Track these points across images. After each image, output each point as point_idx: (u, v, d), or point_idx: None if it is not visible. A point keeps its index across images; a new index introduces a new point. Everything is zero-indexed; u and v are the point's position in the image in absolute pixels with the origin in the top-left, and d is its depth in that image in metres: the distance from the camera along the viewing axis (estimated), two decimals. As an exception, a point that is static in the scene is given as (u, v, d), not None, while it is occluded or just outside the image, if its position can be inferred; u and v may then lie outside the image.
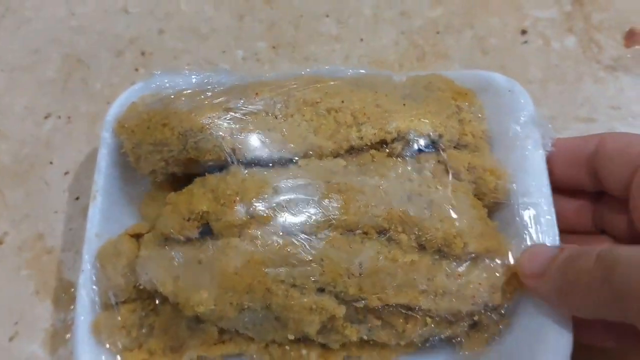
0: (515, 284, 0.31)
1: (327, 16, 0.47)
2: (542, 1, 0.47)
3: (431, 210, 0.30)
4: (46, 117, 0.43)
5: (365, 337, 0.32)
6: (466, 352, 0.32)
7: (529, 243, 0.31)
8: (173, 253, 0.32)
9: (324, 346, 0.33)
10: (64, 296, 0.37)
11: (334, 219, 0.30)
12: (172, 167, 0.34)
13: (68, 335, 0.36)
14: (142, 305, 0.34)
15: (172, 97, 0.34)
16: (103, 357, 0.32)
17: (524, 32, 0.46)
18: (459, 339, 0.32)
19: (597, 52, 0.45)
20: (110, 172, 0.35)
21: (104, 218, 0.34)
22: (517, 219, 0.32)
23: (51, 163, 0.41)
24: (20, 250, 0.39)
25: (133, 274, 0.33)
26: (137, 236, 0.34)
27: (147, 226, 0.34)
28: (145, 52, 0.45)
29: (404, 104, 0.33)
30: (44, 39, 0.46)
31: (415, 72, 0.37)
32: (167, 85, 0.36)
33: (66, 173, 0.41)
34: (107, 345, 0.32)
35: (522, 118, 0.34)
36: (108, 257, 0.33)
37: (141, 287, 0.32)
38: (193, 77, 0.37)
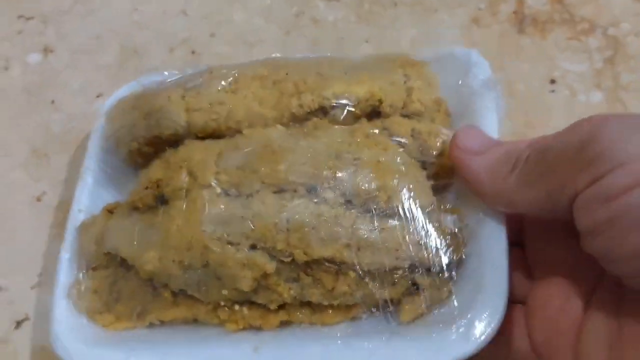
0: (450, 246, 0.31)
1: (367, 42, 0.50)
2: (575, 55, 0.48)
3: (357, 166, 0.31)
4: (97, 97, 0.47)
5: (297, 297, 0.32)
6: (402, 320, 0.32)
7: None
8: (134, 221, 0.35)
9: (263, 307, 0.33)
10: (86, 256, 0.40)
11: (265, 178, 0.32)
12: (143, 146, 0.37)
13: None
14: (113, 272, 0.36)
15: (151, 88, 0.38)
16: (77, 318, 0.35)
17: (552, 81, 0.48)
18: (392, 301, 0.31)
19: (621, 110, 0.46)
20: (99, 157, 0.39)
21: (90, 197, 0.38)
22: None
23: None
24: (55, 209, 0.42)
25: (102, 239, 0.35)
26: (113, 211, 0.37)
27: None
28: (195, 51, 0.50)
29: (346, 73, 0.35)
30: (107, 28, 0.50)
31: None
32: (159, 80, 0.39)
33: (107, 148, 0.44)
34: (79, 307, 0.35)
35: (476, 80, 0.35)
36: (85, 227, 0.36)
37: (109, 254, 0.35)
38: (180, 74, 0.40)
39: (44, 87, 0.47)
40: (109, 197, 0.39)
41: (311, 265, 0.31)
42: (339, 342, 0.32)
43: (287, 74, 0.35)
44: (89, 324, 0.35)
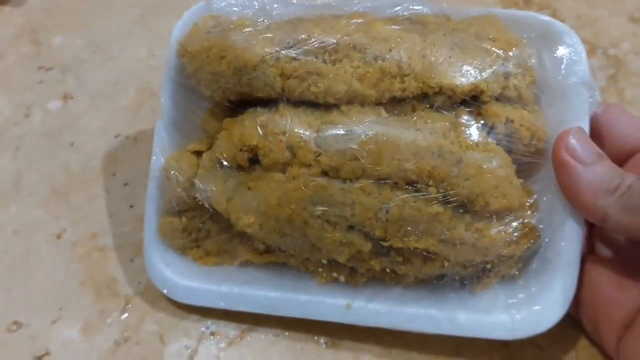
0: (529, 238, 0.34)
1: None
2: None
3: (460, 168, 0.32)
4: (116, 137, 0.48)
5: (387, 269, 0.35)
6: (476, 291, 0.35)
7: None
8: (227, 176, 0.36)
9: (351, 269, 0.36)
10: (106, 291, 0.41)
11: (368, 168, 0.32)
12: (228, 96, 0.37)
13: (104, 327, 0.39)
14: (200, 213, 0.38)
15: (232, 25, 0.36)
16: (166, 254, 0.39)
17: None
18: (471, 280, 0.35)
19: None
20: (174, 91, 0.39)
21: (169, 134, 0.39)
22: (546, 173, 0.34)
23: (114, 175, 0.46)
24: (75, 245, 0.43)
25: (192, 187, 0.37)
26: (197, 153, 0.38)
27: (206, 143, 0.38)
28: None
29: (450, 56, 0.33)
30: (124, 73, 0.51)
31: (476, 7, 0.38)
32: (230, 3, 0.38)
33: (125, 184, 0.45)
34: (171, 244, 0.39)
35: (573, 76, 0.35)
36: (171, 170, 0.37)
37: (199, 201, 0.37)
38: (252, 2, 0.38)
39: (64, 131, 0.48)
40: (185, 131, 0.39)
41: (404, 249, 0.34)
42: (423, 308, 0.35)
43: (390, 49, 0.33)
44: (181, 259, 0.39)
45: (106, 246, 0.42)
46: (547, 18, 0.37)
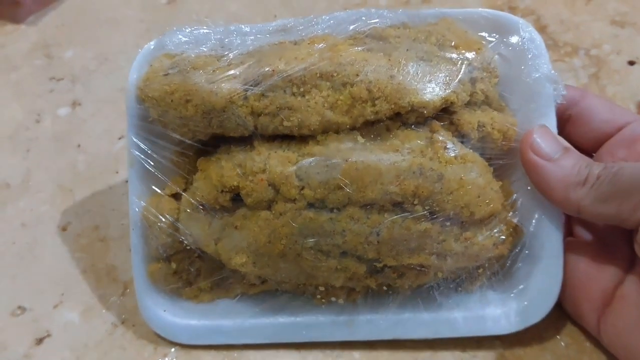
0: (514, 237, 0.35)
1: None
2: (560, 74, 0.49)
3: (442, 184, 0.32)
4: (119, 138, 0.50)
5: (381, 284, 0.36)
6: (465, 290, 0.36)
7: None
8: (210, 218, 0.35)
9: (348, 288, 0.37)
10: (106, 278, 0.42)
11: (353, 195, 0.32)
12: (199, 136, 0.36)
13: (104, 310, 0.40)
14: (188, 255, 0.38)
15: (190, 66, 0.34)
16: (159, 298, 0.38)
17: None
18: (462, 282, 0.36)
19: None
20: (140, 138, 0.37)
21: (143, 180, 0.37)
22: (521, 172, 0.34)
23: (117, 172, 0.48)
24: (78, 236, 0.44)
25: (177, 232, 0.36)
26: (174, 195, 0.37)
27: (181, 183, 0.37)
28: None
29: (417, 72, 0.33)
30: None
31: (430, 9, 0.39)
32: (183, 41, 0.36)
33: (127, 181, 0.47)
34: (162, 289, 0.38)
35: (535, 71, 0.35)
36: (153, 219, 0.37)
37: (187, 245, 0.37)
38: (205, 32, 0.36)
39: (71, 134, 0.51)
40: (158, 173, 0.37)
41: (398, 266, 0.34)
42: (422, 314, 0.36)
43: (357, 75, 0.33)
44: (175, 301, 0.39)
45: (108, 237, 0.44)
46: (501, 13, 0.37)
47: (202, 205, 0.35)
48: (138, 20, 0.59)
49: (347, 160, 0.33)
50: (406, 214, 0.33)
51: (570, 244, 0.36)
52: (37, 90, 0.54)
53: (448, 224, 0.33)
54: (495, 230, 0.34)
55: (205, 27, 0.37)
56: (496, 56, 0.36)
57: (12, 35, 0.59)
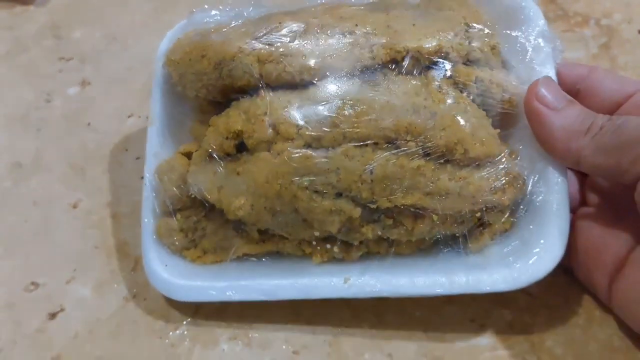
0: (515, 185, 0.35)
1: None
2: (570, 44, 0.49)
3: (435, 120, 0.33)
4: (129, 116, 0.51)
5: (379, 234, 0.36)
6: (472, 250, 0.36)
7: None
8: (216, 167, 0.37)
9: (345, 243, 0.37)
10: (118, 253, 0.43)
11: (348, 132, 0.34)
12: (212, 93, 0.39)
13: (115, 285, 0.41)
14: (195, 212, 0.39)
15: (211, 31, 0.39)
16: (166, 255, 0.39)
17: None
18: (465, 237, 0.36)
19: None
20: (164, 100, 0.41)
21: (160, 140, 0.40)
22: (523, 125, 0.35)
23: (126, 150, 0.49)
24: (90, 213, 0.46)
25: (185, 185, 0.38)
26: (188, 154, 0.39)
27: (196, 146, 0.39)
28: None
29: (414, 24, 0.36)
30: (138, 60, 0.55)
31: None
32: (209, 20, 0.41)
33: (137, 158, 0.48)
34: (168, 245, 0.39)
35: (532, 33, 0.36)
36: (164, 172, 0.39)
37: (192, 196, 0.38)
38: (230, 12, 0.41)
39: (81, 113, 0.52)
40: (176, 137, 0.41)
41: (392, 209, 0.35)
42: (421, 272, 0.35)
43: (356, 25, 0.36)
44: (179, 260, 0.39)
45: (119, 213, 0.45)
46: None
47: (210, 155, 0.37)
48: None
49: (343, 100, 0.34)
50: (399, 150, 0.34)
51: (584, 212, 0.36)
52: (46, 71, 0.55)
53: (442, 161, 0.34)
54: (493, 173, 0.34)
55: (229, 8, 0.41)
56: (493, 18, 0.37)
57: (21, 17, 0.60)
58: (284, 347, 0.38)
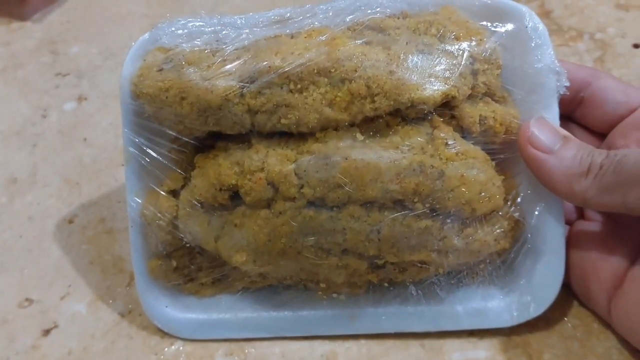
0: (515, 231, 0.34)
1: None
2: (565, 58, 0.49)
3: (442, 181, 0.31)
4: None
5: (383, 279, 0.35)
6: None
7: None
8: (209, 215, 0.34)
9: (350, 283, 0.36)
10: (113, 269, 0.42)
11: (353, 193, 0.31)
12: (196, 133, 0.34)
13: (110, 300, 0.40)
14: (188, 251, 0.37)
15: (184, 61, 0.33)
16: (161, 295, 0.38)
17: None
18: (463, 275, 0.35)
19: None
20: (134, 134, 0.36)
21: (139, 177, 0.36)
22: (525, 165, 0.33)
23: (122, 165, 0.47)
24: (85, 229, 0.44)
25: (176, 229, 0.35)
26: (172, 192, 0.36)
27: (180, 179, 0.36)
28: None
29: (417, 67, 0.31)
30: (134, 75, 0.54)
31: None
32: (177, 34, 0.35)
33: (131, 174, 0.47)
34: (164, 285, 0.38)
35: (538, 62, 0.33)
36: (152, 218, 0.35)
37: (186, 243, 0.35)
38: (199, 24, 0.35)
39: (78, 128, 0.50)
40: (154, 170, 0.36)
41: (399, 262, 0.34)
42: (424, 307, 0.36)
43: (355, 70, 0.31)
44: (177, 296, 0.38)
45: (114, 228, 0.44)
46: (505, 0, 0.34)
47: (200, 203, 0.34)
48: (143, 15, 0.59)
49: (346, 158, 0.31)
50: (407, 211, 0.31)
51: (581, 226, 0.34)
52: (43, 86, 0.54)
53: (449, 220, 0.32)
54: (496, 226, 0.33)
55: (199, 19, 0.35)
56: (498, 46, 0.34)
57: (18, 33, 0.59)
58: (280, 361, 0.37)
